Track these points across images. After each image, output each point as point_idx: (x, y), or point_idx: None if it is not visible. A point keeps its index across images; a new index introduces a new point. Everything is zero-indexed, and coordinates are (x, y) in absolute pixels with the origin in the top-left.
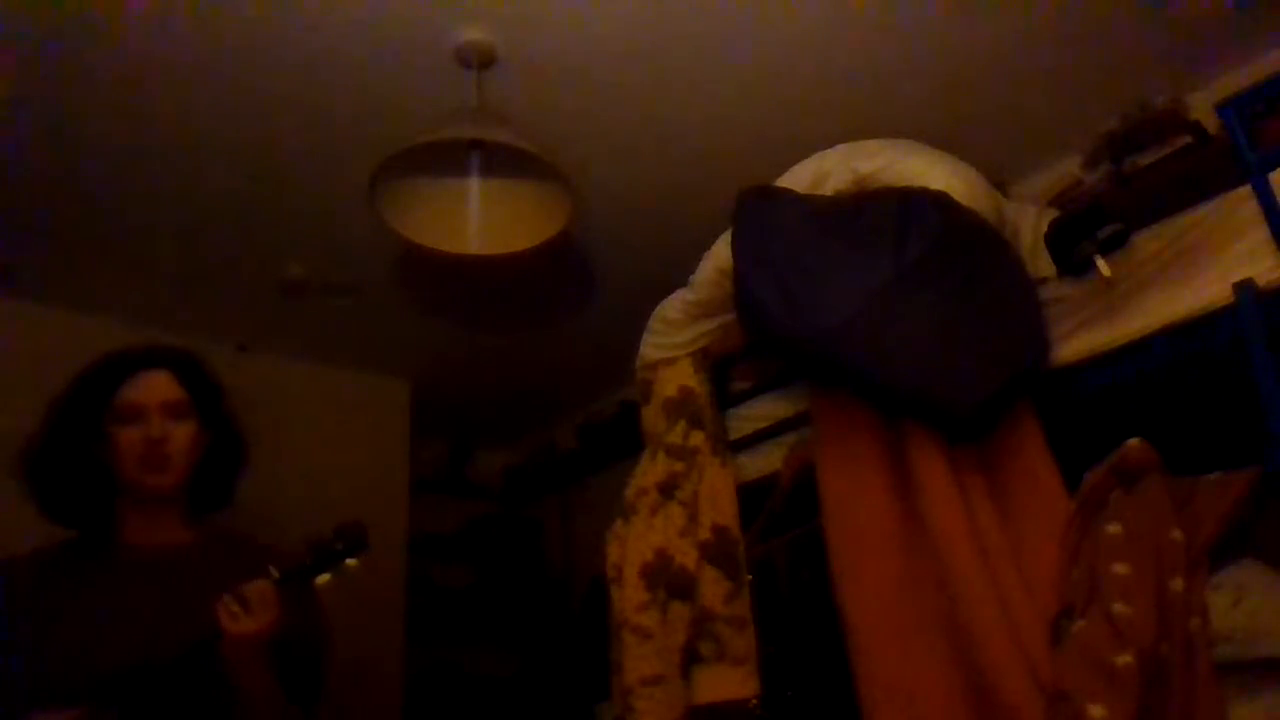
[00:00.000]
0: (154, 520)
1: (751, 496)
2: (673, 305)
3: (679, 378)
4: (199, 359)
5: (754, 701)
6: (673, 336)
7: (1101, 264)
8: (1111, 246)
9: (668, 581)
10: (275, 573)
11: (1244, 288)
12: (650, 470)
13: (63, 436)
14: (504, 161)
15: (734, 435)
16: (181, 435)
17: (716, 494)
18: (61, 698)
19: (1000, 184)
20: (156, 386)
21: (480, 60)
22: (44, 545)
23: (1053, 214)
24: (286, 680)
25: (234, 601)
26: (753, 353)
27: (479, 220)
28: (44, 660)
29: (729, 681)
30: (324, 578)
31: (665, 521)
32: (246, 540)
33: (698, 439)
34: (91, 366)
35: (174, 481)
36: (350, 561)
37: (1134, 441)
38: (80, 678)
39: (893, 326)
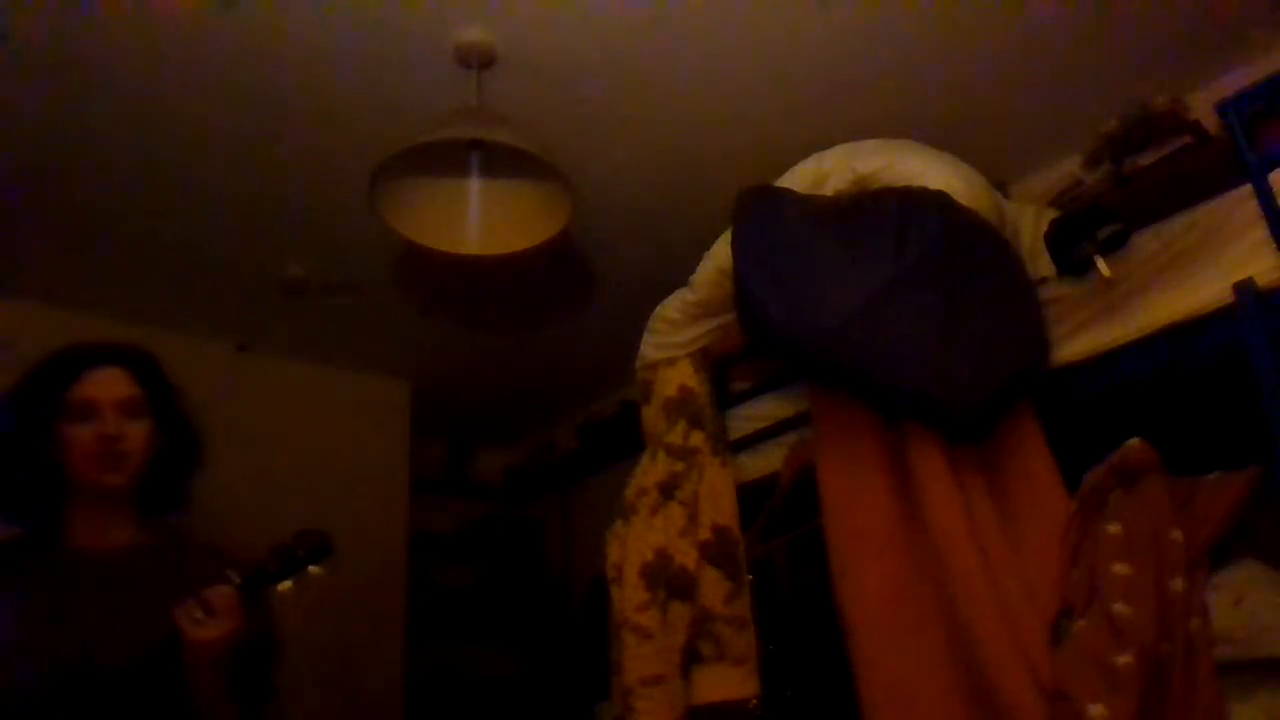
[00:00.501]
0: (103, 521)
1: (751, 496)
2: (673, 305)
3: (679, 378)
4: (154, 357)
5: (754, 701)
6: (673, 336)
7: (1101, 264)
8: (1111, 246)
9: (668, 581)
10: (237, 578)
11: (1244, 288)
12: (650, 470)
13: (12, 432)
14: (504, 161)
15: (734, 435)
16: (136, 433)
17: (716, 494)
18: (7, 704)
19: (1000, 184)
20: (111, 383)
21: (480, 60)
22: None
23: (1053, 214)
24: (237, 685)
25: (196, 607)
26: (753, 353)
27: (479, 220)
28: None
29: (729, 681)
30: (286, 585)
31: (665, 521)
32: (199, 544)
33: (698, 439)
34: (44, 361)
35: (128, 480)
36: (313, 569)
37: (1134, 441)
38: (26, 683)
39: (892, 326)
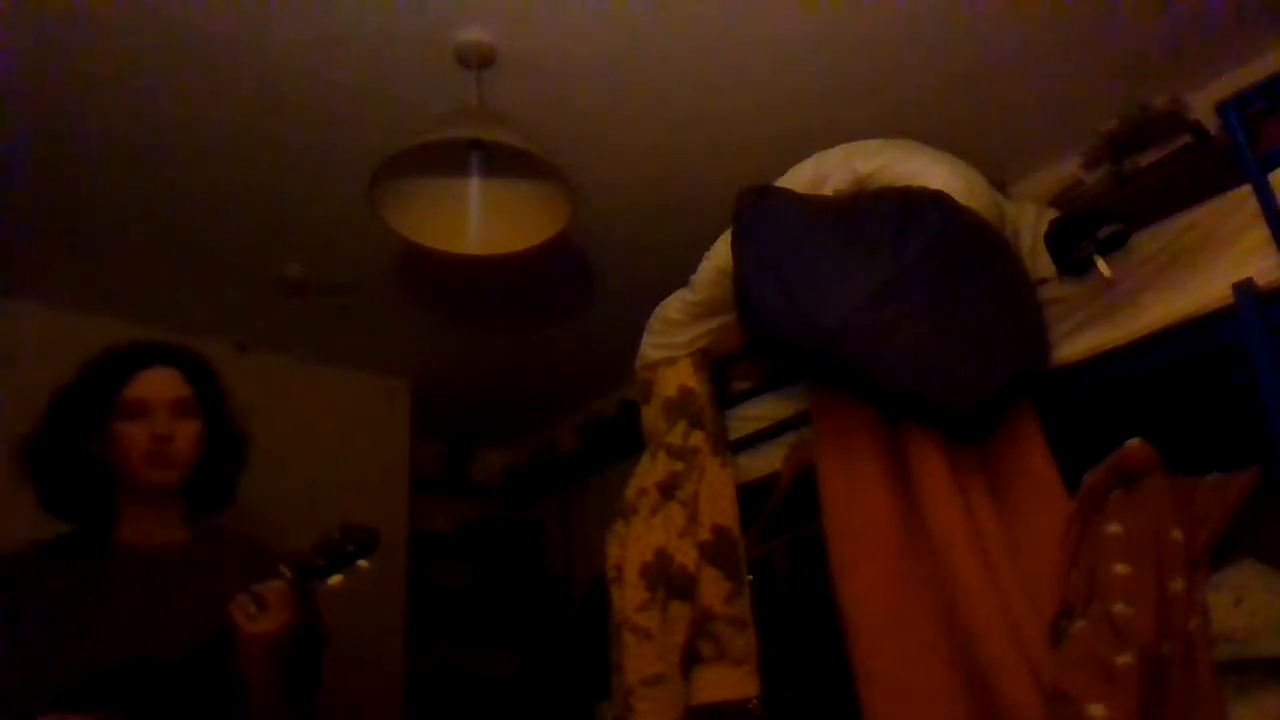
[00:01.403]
0: (153, 518)
1: (751, 496)
2: (673, 305)
3: (679, 378)
4: (205, 359)
5: (754, 701)
6: (673, 336)
7: (1101, 264)
8: (1111, 246)
9: (668, 581)
10: (288, 573)
11: (1244, 288)
12: (650, 470)
13: (65, 431)
14: (504, 161)
15: (734, 435)
16: (187, 433)
17: (716, 494)
18: (63, 696)
19: (1000, 184)
20: (164, 383)
21: (480, 60)
22: (40, 540)
23: (1053, 214)
24: (289, 679)
25: (250, 601)
26: (753, 353)
27: (479, 220)
28: (44, 658)
29: (729, 681)
30: (336, 579)
31: (665, 521)
32: (245, 539)
33: (698, 439)
34: (96, 361)
35: (178, 478)
36: (362, 563)
37: (1134, 441)
38: (83, 676)
39: (892, 326)
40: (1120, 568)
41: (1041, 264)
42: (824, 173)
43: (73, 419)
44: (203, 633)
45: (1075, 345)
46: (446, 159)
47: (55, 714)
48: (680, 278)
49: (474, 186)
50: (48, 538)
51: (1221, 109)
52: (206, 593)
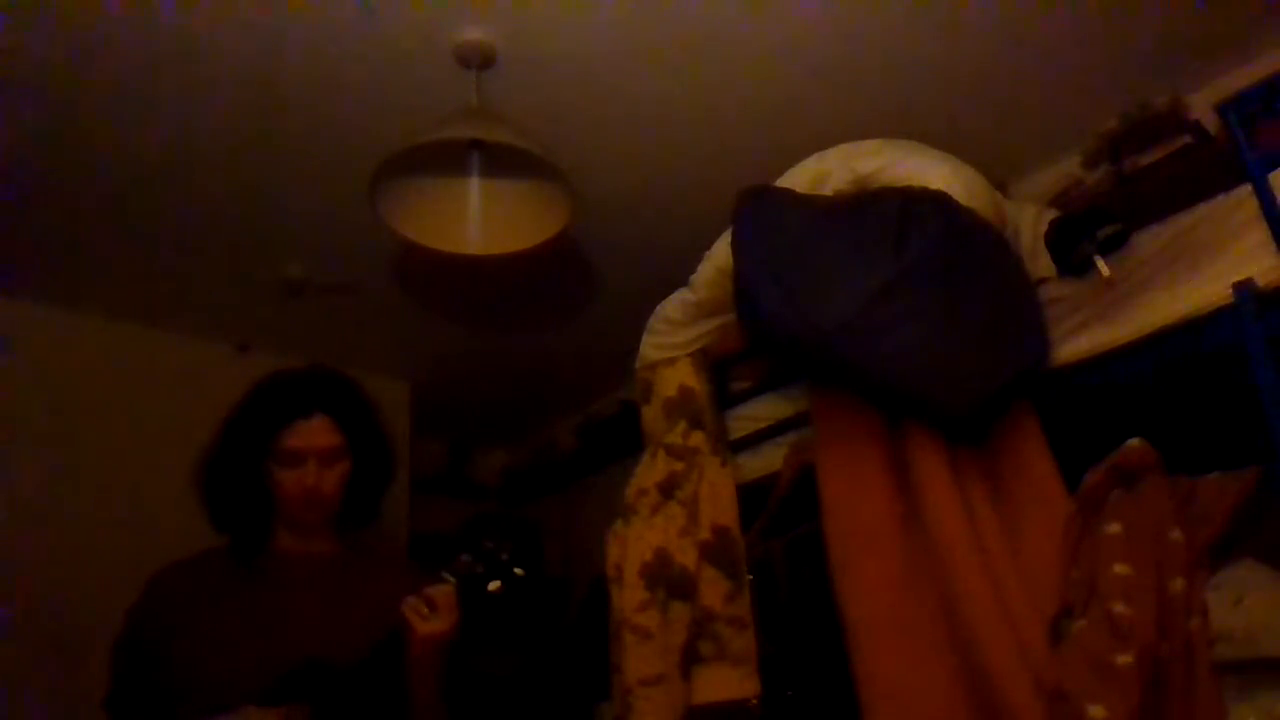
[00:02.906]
0: (306, 533)
1: (751, 496)
2: (673, 305)
3: (679, 378)
4: (355, 391)
5: (754, 701)
6: (673, 336)
7: (1101, 264)
8: (1111, 246)
9: (668, 581)
10: (451, 579)
11: (1244, 288)
12: (650, 470)
13: (232, 463)
14: (504, 161)
15: (734, 435)
16: (334, 478)
17: (716, 494)
18: (237, 694)
19: (1000, 184)
20: (316, 434)
21: (480, 60)
22: (207, 549)
23: (1053, 214)
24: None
25: (422, 603)
26: (753, 353)
27: (479, 220)
28: (219, 658)
29: (729, 681)
30: (496, 584)
31: (665, 521)
32: (388, 550)
33: (698, 439)
34: (257, 399)
35: (323, 517)
36: (518, 570)
37: (1134, 441)
38: (255, 676)
39: (893, 326)
40: (1120, 568)
41: (1041, 264)
42: (824, 173)
43: (239, 455)
44: (372, 635)
45: (1075, 345)
46: (446, 159)
47: (252, 706)
48: (680, 278)
49: (474, 186)
50: (212, 546)
51: (1221, 109)
52: (367, 597)
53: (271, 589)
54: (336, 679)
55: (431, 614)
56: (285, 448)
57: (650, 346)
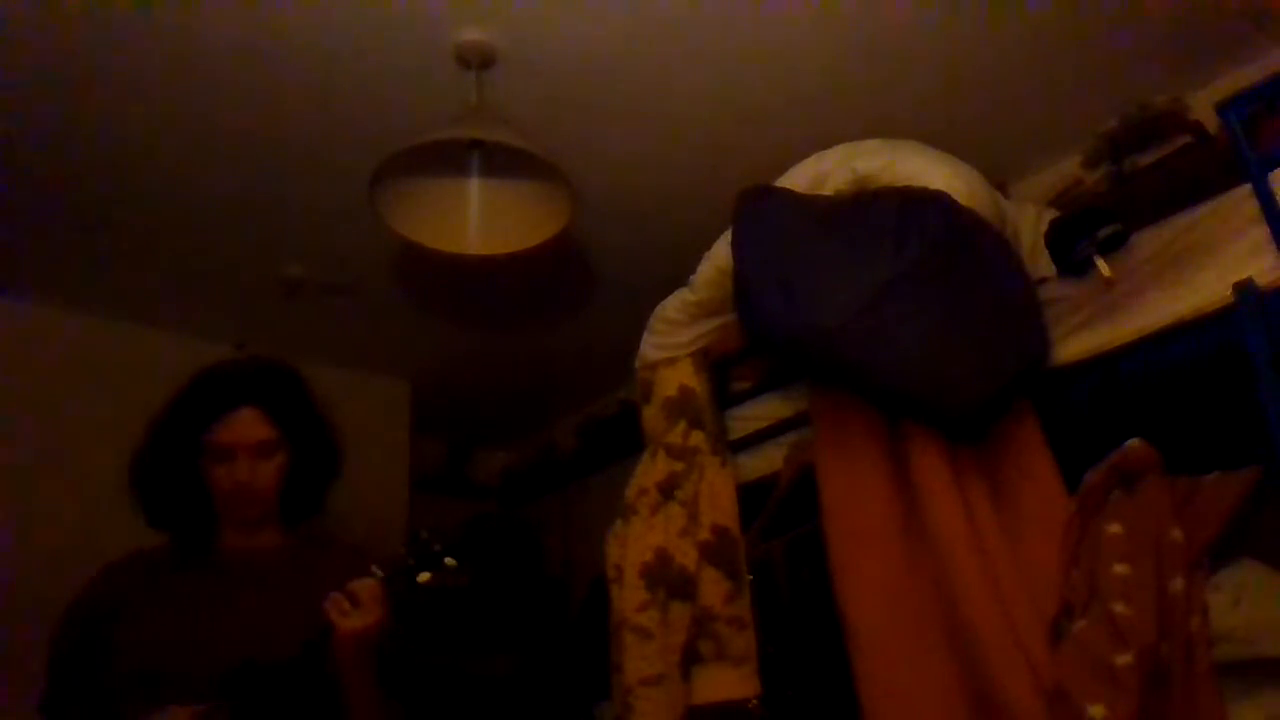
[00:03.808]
0: (249, 529)
1: (751, 496)
2: (673, 305)
3: (679, 377)
4: (289, 380)
5: (754, 701)
6: (673, 336)
7: (1101, 264)
8: (1111, 246)
9: (668, 581)
10: (379, 571)
11: (1244, 288)
12: (650, 470)
13: (163, 460)
14: (504, 161)
15: (734, 435)
16: (268, 472)
17: (716, 494)
18: (174, 693)
19: (1000, 184)
20: (247, 427)
21: (480, 60)
22: (146, 547)
23: (1053, 214)
24: (384, 680)
25: (344, 599)
26: (753, 353)
27: (479, 220)
28: (156, 657)
29: (729, 681)
30: (425, 576)
31: (665, 521)
32: (338, 543)
33: (698, 439)
34: (185, 396)
35: (260, 512)
36: (450, 560)
37: (1134, 441)
38: (191, 673)
39: (893, 326)
40: (1120, 568)
41: (1041, 264)
42: (824, 173)
43: (168, 452)
44: (304, 632)
45: (1075, 345)
46: (446, 159)
47: (174, 706)
48: (680, 278)
49: (474, 186)
50: (150, 545)
51: (1221, 109)
52: (306, 594)
53: (215, 585)
54: (266, 678)
55: (354, 609)
56: (214, 443)
57: (650, 346)
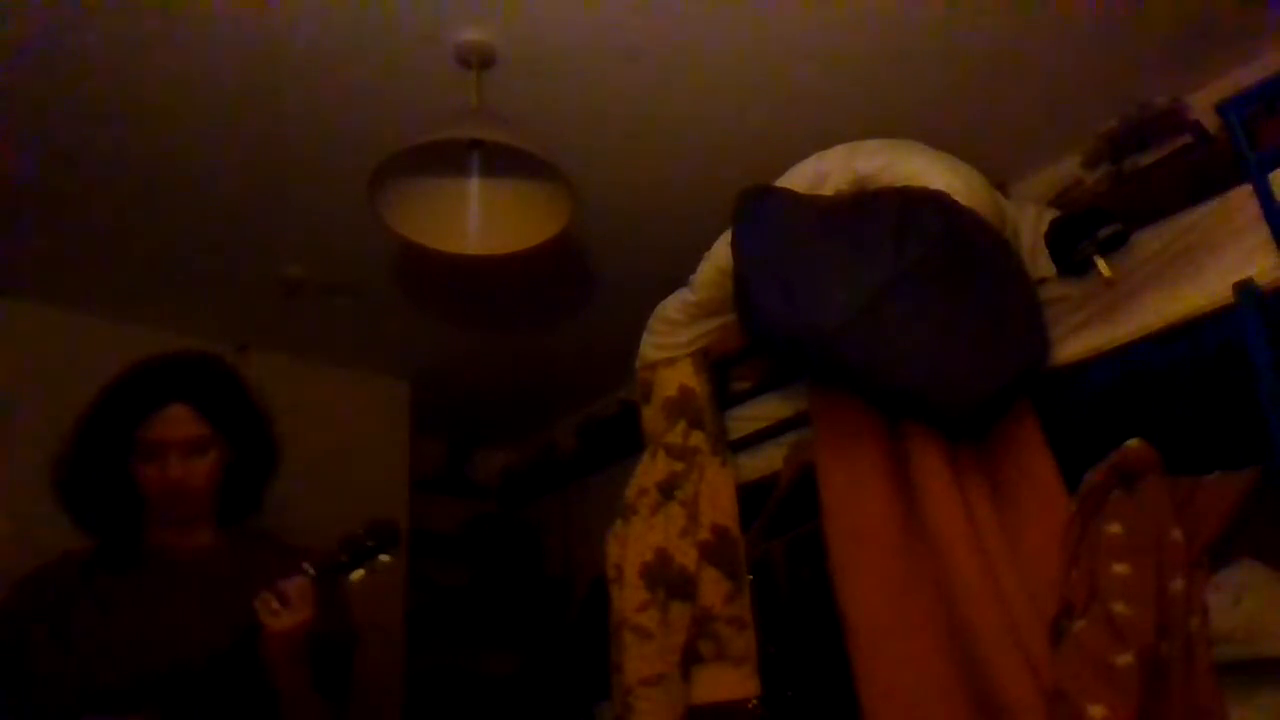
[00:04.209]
0: (180, 529)
1: (751, 496)
2: (673, 305)
3: (679, 378)
4: (221, 375)
5: (754, 701)
6: (673, 336)
7: (1101, 264)
8: (1111, 246)
9: (668, 581)
10: (310, 569)
11: (1244, 288)
12: (650, 470)
13: (90, 460)
14: (504, 161)
15: (734, 435)
16: (199, 470)
17: (716, 494)
18: (104, 700)
19: (1000, 184)
20: (177, 425)
21: (480, 60)
22: (74, 550)
23: (1053, 214)
24: (319, 677)
25: (273, 598)
26: (753, 353)
27: (479, 220)
28: (84, 664)
29: (729, 681)
30: (358, 574)
31: (665, 521)
32: (273, 541)
33: (698, 439)
34: (114, 390)
35: (195, 511)
36: (384, 558)
37: (1134, 441)
38: (121, 679)
39: (892, 326)
40: (1120, 568)
41: (1041, 264)
42: (824, 173)
43: (96, 451)
44: (232, 632)
45: (1075, 345)
46: (446, 159)
47: (94, 716)
48: (680, 278)
49: (474, 186)
50: (78, 548)
51: (1221, 109)
52: (237, 594)
53: (146, 587)
54: (194, 682)
55: (283, 608)
56: (144, 441)
57: (650, 346)
